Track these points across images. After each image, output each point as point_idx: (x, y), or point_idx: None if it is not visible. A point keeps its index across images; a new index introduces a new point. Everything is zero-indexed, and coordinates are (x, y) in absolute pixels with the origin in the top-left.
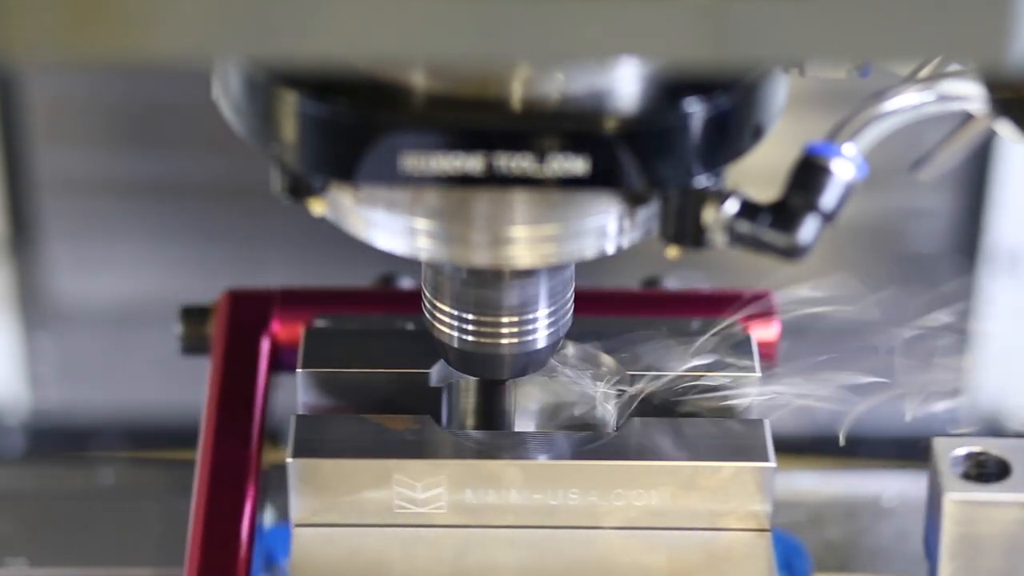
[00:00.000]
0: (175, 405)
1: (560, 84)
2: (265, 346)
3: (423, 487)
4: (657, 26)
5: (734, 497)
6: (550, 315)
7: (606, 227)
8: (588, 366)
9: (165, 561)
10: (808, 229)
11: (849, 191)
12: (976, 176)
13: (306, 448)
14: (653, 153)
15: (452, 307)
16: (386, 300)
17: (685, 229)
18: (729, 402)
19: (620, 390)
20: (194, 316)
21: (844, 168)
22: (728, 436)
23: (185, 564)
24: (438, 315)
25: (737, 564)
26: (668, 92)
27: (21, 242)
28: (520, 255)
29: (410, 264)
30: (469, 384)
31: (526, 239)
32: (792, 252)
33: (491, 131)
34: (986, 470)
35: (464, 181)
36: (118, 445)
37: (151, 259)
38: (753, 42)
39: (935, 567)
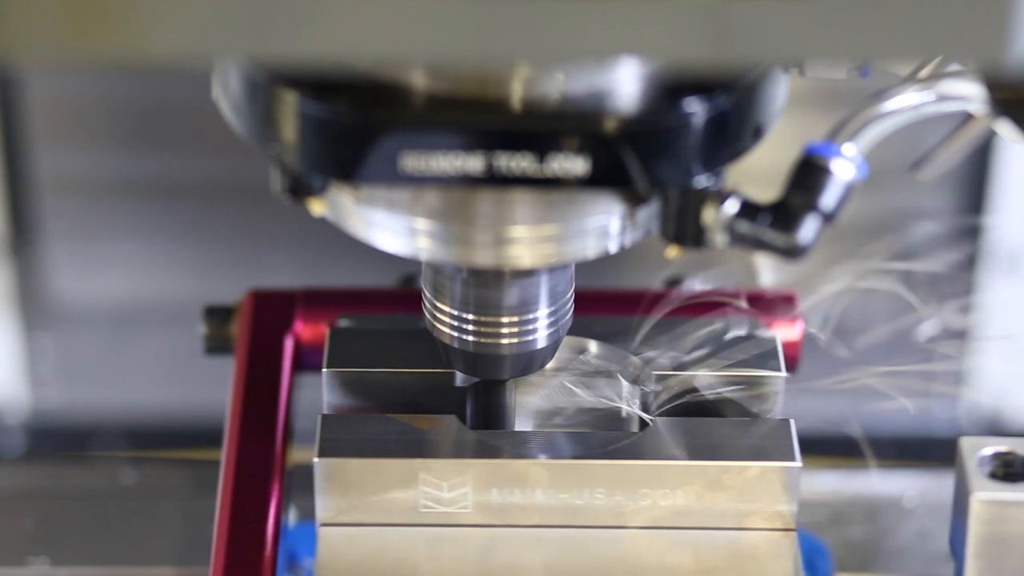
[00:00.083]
0: (175, 405)
1: (560, 84)
2: (289, 346)
3: (449, 486)
4: (657, 26)
5: (760, 497)
6: (550, 315)
7: (606, 227)
8: (613, 365)
9: (180, 559)
10: (808, 229)
11: (849, 191)
12: (976, 176)
13: (332, 448)
14: (653, 153)
15: (452, 307)
16: (408, 300)
17: (685, 229)
18: (755, 402)
19: (645, 389)
20: (217, 316)
21: (844, 168)
22: (754, 436)
23: (211, 563)
24: (438, 315)
25: (763, 564)
26: (668, 92)
27: (21, 242)
28: (520, 255)
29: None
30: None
31: (526, 239)
32: (792, 252)
33: (491, 131)
34: (1013, 470)
35: (464, 181)
36: (118, 445)
37: (151, 259)
38: (753, 42)
39: (961, 567)
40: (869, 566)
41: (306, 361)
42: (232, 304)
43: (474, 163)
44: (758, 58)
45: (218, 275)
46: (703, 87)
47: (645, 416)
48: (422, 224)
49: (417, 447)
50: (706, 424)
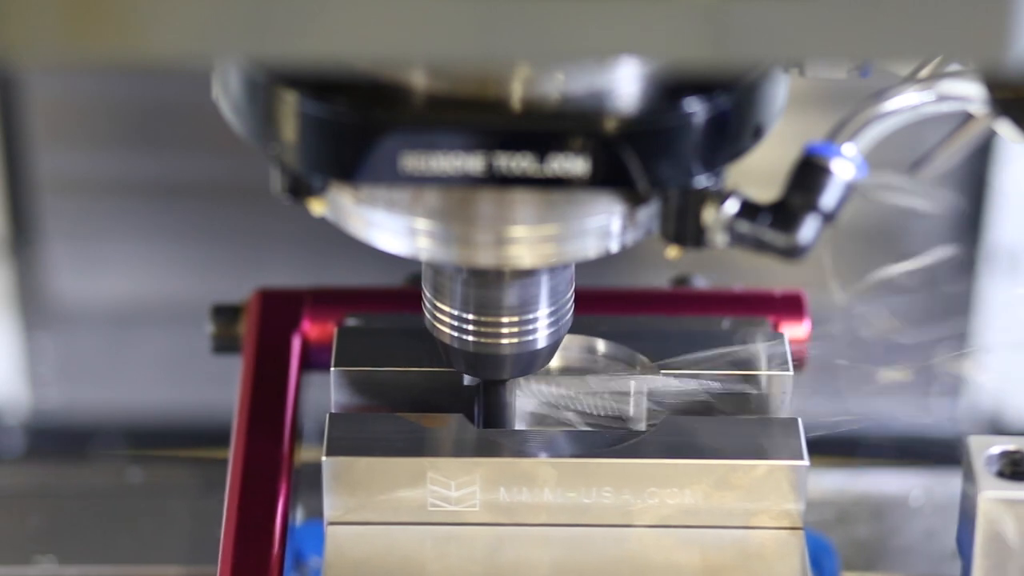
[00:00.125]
0: (175, 405)
1: (560, 84)
2: (296, 344)
3: (457, 485)
4: (657, 26)
5: (767, 495)
6: (551, 315)
7: (606, 227)
8: (620, 364)
9: (187, 557)
10: (808, 229)
11: (849, 191)
12: (976, 176)
13: (340, 446)
14: (653, 153)
15: (453, 307)
16: (415, 299)
17: (685, 229)
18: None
19: (653, 388)
20: (225, 315)
21: (844, 168)
22: (761, 434)
23: (219, 561)
24: (439, 315)
25: (770, 562)
26: (668, 92)
27: (21, 242)
28: (521, 255)
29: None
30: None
31: (526, 239)
32: (792, 252)
33: (491, 131)
34: (1021, 468)
35: (464, 181)
36: (118, 445)
37: (151, 259)
38: (753, 42)
39: (969, 565)
40: (875, 565)
41: (313, 360)
42: (239, 303)
43: (474, 163)
44: (758, 58)
45: (218, 275)
46: (703, 87)
47: (652, 415)
48: (422, 224)
49: (425, 446)
50: (713, 423)
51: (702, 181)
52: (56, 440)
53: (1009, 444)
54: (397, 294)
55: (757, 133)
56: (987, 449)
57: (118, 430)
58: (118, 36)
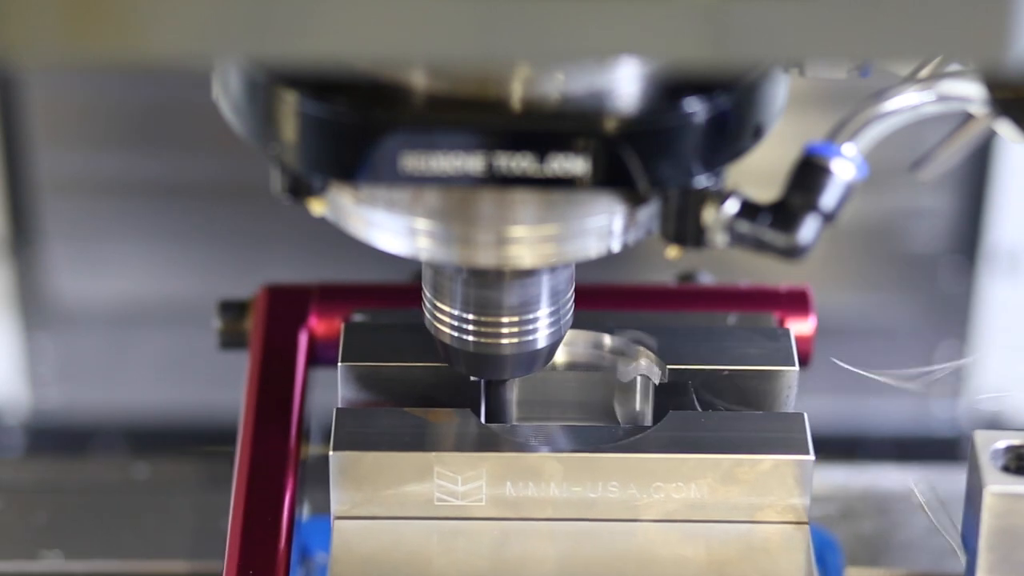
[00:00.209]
0: (175, 405)
1: (560, 84)
2: (303, 340)
3: (463, 480)
4: (657, 26)
5: (773, 490)
6: (551, 315)
7: (606, 227)
8: (627, 360)
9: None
10: (808, 229)
11: (849, 191)
12: (976, 176)
13: (347, 441)
14: (653, 153)
15: (452, 307)
16: (421, 295)
17: (685, 229)
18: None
19: (659, 383)
20: (232, 311)
21: (844, 168)
22: (767, 429)
23: (225, 556)
24: (439, 315)
25: (775, 557)
26: (668, 92)
27: (21, 242)
28: (521, 255)
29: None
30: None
31: (527, 239)
32: (792, 252)
33: (491, 131)
34: None
35: (464, 181)
36: (118, 445)
37: (151, 259)
38: (753, 42)
39: (973, 560)
40: (879, 560)
41: (320, 356)
42: (246, 299)
43: (474, 163)
44: (758, 58)
45: (218, 275)
46: (703, 87)
47: (658, 410)
48: (422, 224)
49: (431, 441)
50: (719, 417)
51: (702, 181)
52: (56, 440)
53: (1014, 439)
54: (404, 290)
55: (757, 133)
56: (992, 444)
57: (118, 430)
58: (118, 36)
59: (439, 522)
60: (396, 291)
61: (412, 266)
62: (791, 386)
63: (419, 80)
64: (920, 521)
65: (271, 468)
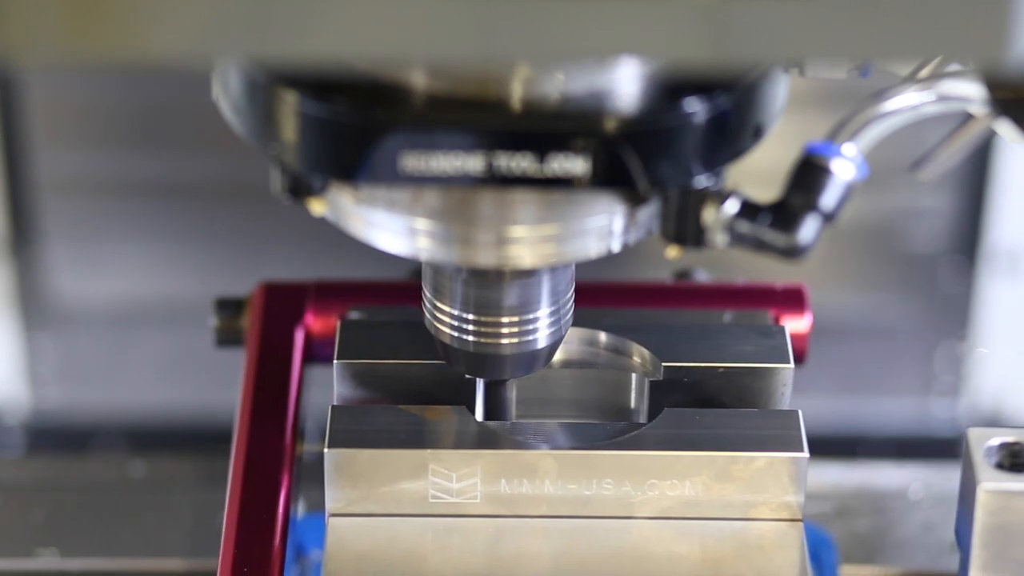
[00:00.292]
0: (175, 405)
1: (560, 84)
2: (299, 338)
3: (458, 477)
4: (657, 26)
5: (767, 487)
6: (551, 315)
7: (606, 227)
8: (622, 357)
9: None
10: (808, 229)
11: (849, 191)
12: (976, 176)
13: (342, 438)
14: (653, 153)
15: (452, 307)
16: (418, 293)
17: (685, 229)
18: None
19: (654, 381)
20: (228, 308)
21: (844, 168)
22: (762, 426)
23: (220, 553)
24: (438, 315)
25: (769, 554)
26: (668, 92)
27: (21, 242)
28: (521, 255)
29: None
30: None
31: (527, 239)
32: (792, 252)
33: (491, 131)
34: (1020, 460)
35: (464, 181)
36: (118, 445)
37: (151, 259)
38: (753, 42)
39: (967, 557)
40: (874, 558)
41: (316, 353)
42: (243, 296)
43: (474, 163)
44: (758, 58)
45: (218, 275)
46: (703, 87)
47: (653, 407)
48: (422, 224)
49: (427, 438)
50: (714, 415)
51: (702, 181)
52: (56, 440)
53: (1008, 436)
54: (400, 287)
55: (757, 133)
56: (986, 441)
57: (118, 430)
58: (118, 36)
59: (434, 519)
60: (392, 288)
61: (412, 266)
62: (786, 384)
63: (419, 80)
64: (915, 519)
65: (266, 465)
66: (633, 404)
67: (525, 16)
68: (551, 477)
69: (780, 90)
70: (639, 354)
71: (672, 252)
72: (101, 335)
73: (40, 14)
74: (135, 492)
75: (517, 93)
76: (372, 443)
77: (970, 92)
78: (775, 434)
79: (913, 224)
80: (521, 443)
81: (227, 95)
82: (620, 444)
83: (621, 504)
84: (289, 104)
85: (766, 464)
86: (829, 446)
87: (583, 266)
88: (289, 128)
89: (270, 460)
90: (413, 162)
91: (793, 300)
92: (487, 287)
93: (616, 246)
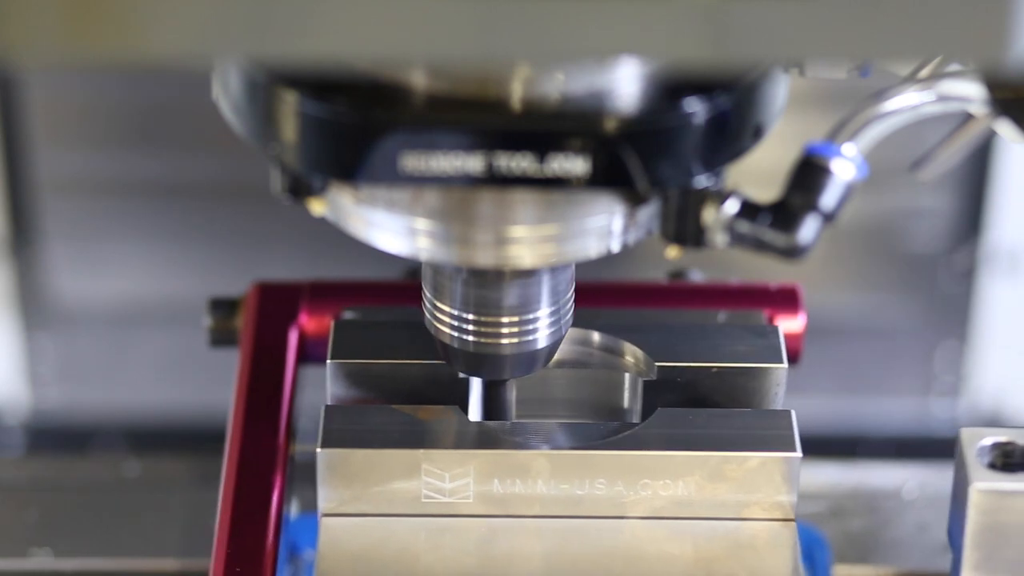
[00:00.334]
0: (175, 405)
1: (560, 84)
2: (293, 338)
3: (451, 477)
4: (657, 26)
5: (760, 487)
6: (551, 315)
7: (606, 227)
8: (615, 357)
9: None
10: (808, 229)
11: (849, 191)
12: (976, 176)
13: (335, 438)
14: (653, 153)
15: (452, 307)
16: (412, 293)
17: (685, 229)
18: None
19: (646, 380)
20: (222, 308)
21: (844, 168)
22: (754, 426)
23: (212, 553)
24: (438, 315)
25: (762, 554)
26: (668, 92)
27: (21, 242)
28: (521, 255)
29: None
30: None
31: (527, 239)
32: (792, 252)
33: (491, 131)
34: (1012, 460)
35: (464, 181)
36: (118, 445)
37: (151, 259)
38: (753, 42)
39: (959, 557)
40: (868, 558)
41: (310, 353)
42: (237, 296)
43: (474, 163)
44: (758, 58)
45: (218, 275)
46: (703, 87)
47: (646, 407)
48: (422, 224)
49: (420, 438)
50: (707, 415)
51: (702, 181)
52: (56, 440)
53: (1001, 436)
54: (395, 287)
55: (757, 133)
56: (979, 441)
57: (118, 430)
58: (118, 36)
59: (427, 519)
60: (387, 288)
61: (408, 266)
62: (780, 383)
63: (419, 80)
64: (909, 519)
65: (260, 465)
66: (626, 404)
67: (525, 16)
68: (544, 477)
69: (780, 90)
70: (632, 354)
71: (672, 252)
72: (101, 335)
73: (40, 14)
74: (134, 492)
75: (517, 93)
76: (365, 443)
77: (970, 92)
78: (768, 434)
79: (913, 224)
80: (514, 443)
81: (227, 95)
82: (613, 444)
83: (614, 504)
84: (289, 104)
85: (759, 464)
86: (829, 446)
87: (582, 266)
88: (289, 128)
89: (263, 460)
90: (413, 162)
91: (787, 300)
92: (487, 287)
93: (616, 246)
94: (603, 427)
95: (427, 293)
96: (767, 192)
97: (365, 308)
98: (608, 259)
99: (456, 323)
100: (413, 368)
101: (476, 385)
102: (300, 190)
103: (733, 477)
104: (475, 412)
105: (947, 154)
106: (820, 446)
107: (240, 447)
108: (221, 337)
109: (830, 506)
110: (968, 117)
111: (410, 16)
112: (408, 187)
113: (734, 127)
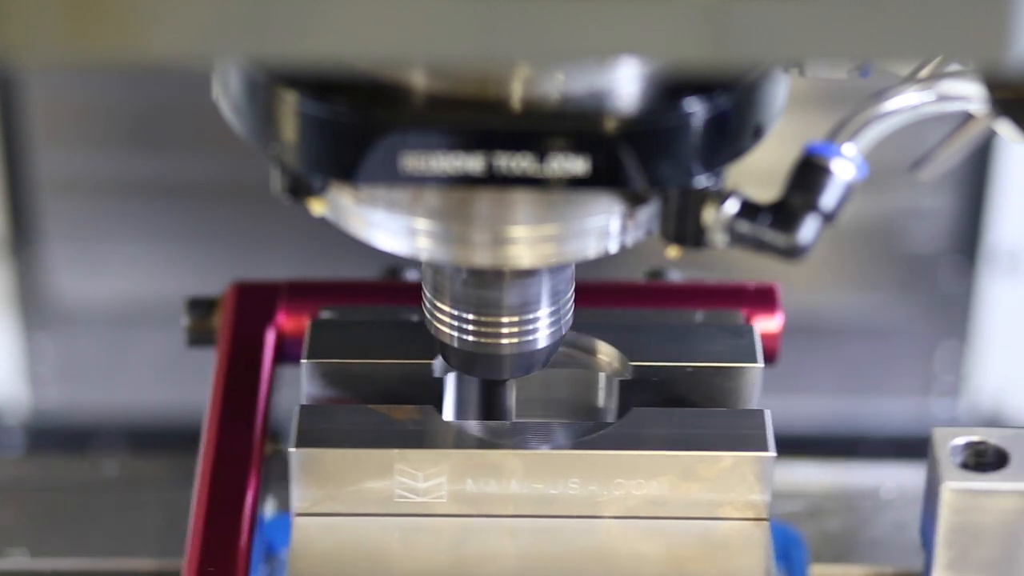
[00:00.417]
0: (175, 405)
1: (560, 84)
2: (271, 338)
3: (424, 477)
4: (657, 26)
5: (733, 487)
6: (551, 315)
7: (607, 227)
8: (590, 356)
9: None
10: (808, 229)
11: (849, 191)
12: (976, 176)
13: (309, 438)
14: (653, 153)
15: (452, 307)
16: (391, 292)
17: (685, 229)
18: (731, 392)
19: (621, 380)
20: (200, 308)
21: (844, 168)
22: (728, 426)
23: (185, 552)
24: (438, 315)
25: (734, 553)
26: (668, 92)
27: (21, 242)
28: (520, 255)
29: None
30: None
31: (526, 239)
32: (792, 252)
33: (491, 131)
34: (984, 460)
35: (464, 181)
36: (117, 445)
37: (151, 259)
38: (753, 42)
39: (931, 556)
40: (845, 557)
41: (289, 353)
42: (215, 296)
43: (474, 163)
44: (758, 58)
45: (218, 275)
46: (703, 87)
47: (620, 406)
48: (422, 224)
49: (393, 438)
50: (681, 415)
51: (702, 181)
52: (56, 440)
53: (973, 435)
54: (373, 287)
55: (757, 133)
56: (951, 440)
57: (118, 430)
58: (118, 36)
59: (400, 519)
60: (365, 288)
61: (414, 266)
62: (755, 383)
63: (419, 80)
64: (886, 518)
65: (234, 465)
66: (601, 403)
67: (525, 16)
68: (517, 477)
69: (780, 90)
70: (607, 353)
71: (672, 252)
72: (101, 335)
73: (40, 14)
74: (135, 492)
75: (517, 93)
76: (338, 443)
77: (970, 92)
78: (741, 433)
79: (913, 224)
80: (488, 443)
81: (227, 95)
82: (586, 443)
83: (587, 503)
84: (289, 104)
85: (732, 463)
86: (829, 446)
87: (582, 266)
88: (289, 128)
89: (238, 459)
90: (413, 162)
91: (765, 299)
92: (487, 287)
93: (616, 246)
94: (577, 427)
95: (427, 293)
96: (767, 192)
97: (343, 308)
98: (610, 260)
99: (455, 323)
100: (389, 368)
101: (451, 385)
102: (300, 190)
103: (706, 477)
104: (450, 412)
105: (947, 154)
106: (820, 446)
107: (215, 446)
108: (199, 337)
109: (808, 506)
110: (968, 117)
111: (410, 16)
112: (408, 187)
113: (734, 127)
